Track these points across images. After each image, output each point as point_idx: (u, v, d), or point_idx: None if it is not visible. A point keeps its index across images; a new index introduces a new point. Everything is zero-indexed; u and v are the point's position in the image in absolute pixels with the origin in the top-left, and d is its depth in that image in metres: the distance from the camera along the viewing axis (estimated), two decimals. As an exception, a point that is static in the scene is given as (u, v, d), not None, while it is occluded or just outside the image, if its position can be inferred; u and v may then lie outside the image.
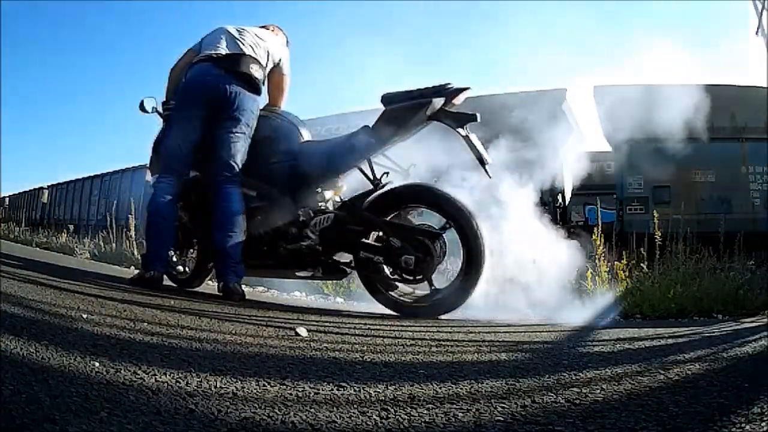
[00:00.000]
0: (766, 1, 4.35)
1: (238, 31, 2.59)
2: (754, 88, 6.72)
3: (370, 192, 2.33)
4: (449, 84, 2.21)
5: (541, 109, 6.51)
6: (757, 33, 4.44)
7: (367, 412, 0.79)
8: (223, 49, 2.51)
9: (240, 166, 2.44)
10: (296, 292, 3.56)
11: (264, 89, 2.68)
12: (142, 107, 2.68)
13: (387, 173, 2.35)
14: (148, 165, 2.87)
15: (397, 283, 2.31)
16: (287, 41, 2.84)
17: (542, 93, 7.40)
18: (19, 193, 20.53)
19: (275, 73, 2.71)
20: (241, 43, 2.54)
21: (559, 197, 8.15)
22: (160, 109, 2.72)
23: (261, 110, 2.65)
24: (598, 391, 0.92)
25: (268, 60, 2.62)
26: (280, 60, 2.69)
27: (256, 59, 2.53)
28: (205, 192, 2.49)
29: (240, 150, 2.44)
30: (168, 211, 2.46)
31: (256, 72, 2.51)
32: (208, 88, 2.44)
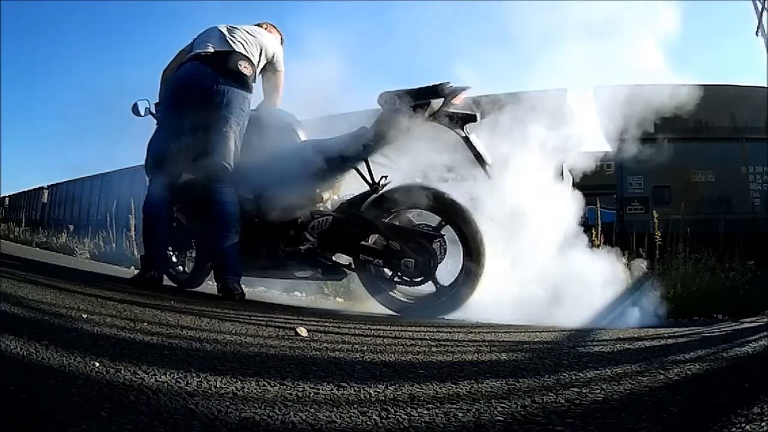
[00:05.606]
0: (766, 1, 4.34)
1: (228, 29, 2.56)
2: (754, 88, 6.71)
3: (369, 194, 2.32)
4: (448, 83, 2.18)
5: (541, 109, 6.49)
6: (757, 33, 4.43)
7: (367, 412, 0.78)
8: (212, 48, 2.48)
9: (232, 165, 2.40)
10: (296, 292, 3.56)
11: (259, 87, 2.66)
12: (135, 110, 2.66)
13: (386, 176, 2.34)
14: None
15: (397, 283, 2.31)
16: (282, 39, 2.82)
17: (542, 93, 7.38)
18: (19, 193, 20.51)
19: (269, 69, 2.67)
20: (232, 40, 2.50)
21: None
22: (153, 111, 2.70)
23: (256, 109, 2.63)
24: (598, 391, 0.92)
25: (260, 57, 2.58)
26: (274, 56, 2.64)
27: (245, 56, 2.49)
28: (199, 193, 2.47)
29: (231, 149, 2.40)
30: (162, 210, 2.45)
31: (245, 69, 2.46)
32: (196, 87, 2.41)
